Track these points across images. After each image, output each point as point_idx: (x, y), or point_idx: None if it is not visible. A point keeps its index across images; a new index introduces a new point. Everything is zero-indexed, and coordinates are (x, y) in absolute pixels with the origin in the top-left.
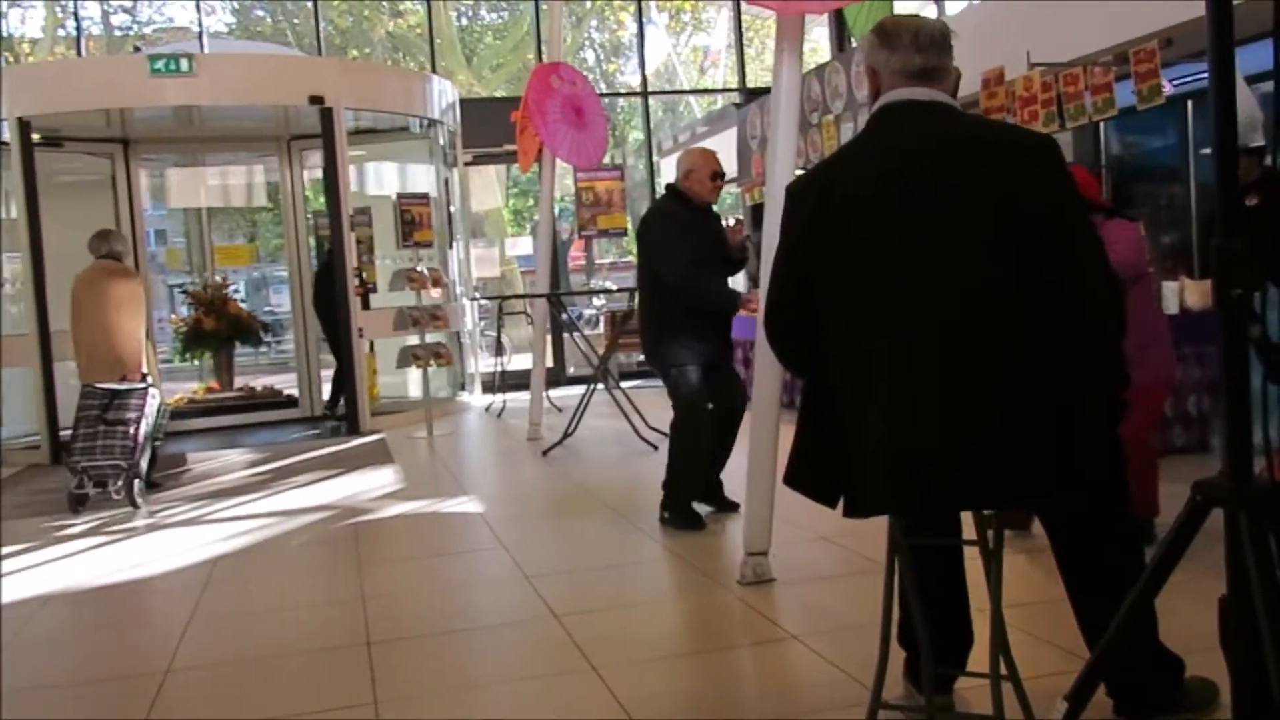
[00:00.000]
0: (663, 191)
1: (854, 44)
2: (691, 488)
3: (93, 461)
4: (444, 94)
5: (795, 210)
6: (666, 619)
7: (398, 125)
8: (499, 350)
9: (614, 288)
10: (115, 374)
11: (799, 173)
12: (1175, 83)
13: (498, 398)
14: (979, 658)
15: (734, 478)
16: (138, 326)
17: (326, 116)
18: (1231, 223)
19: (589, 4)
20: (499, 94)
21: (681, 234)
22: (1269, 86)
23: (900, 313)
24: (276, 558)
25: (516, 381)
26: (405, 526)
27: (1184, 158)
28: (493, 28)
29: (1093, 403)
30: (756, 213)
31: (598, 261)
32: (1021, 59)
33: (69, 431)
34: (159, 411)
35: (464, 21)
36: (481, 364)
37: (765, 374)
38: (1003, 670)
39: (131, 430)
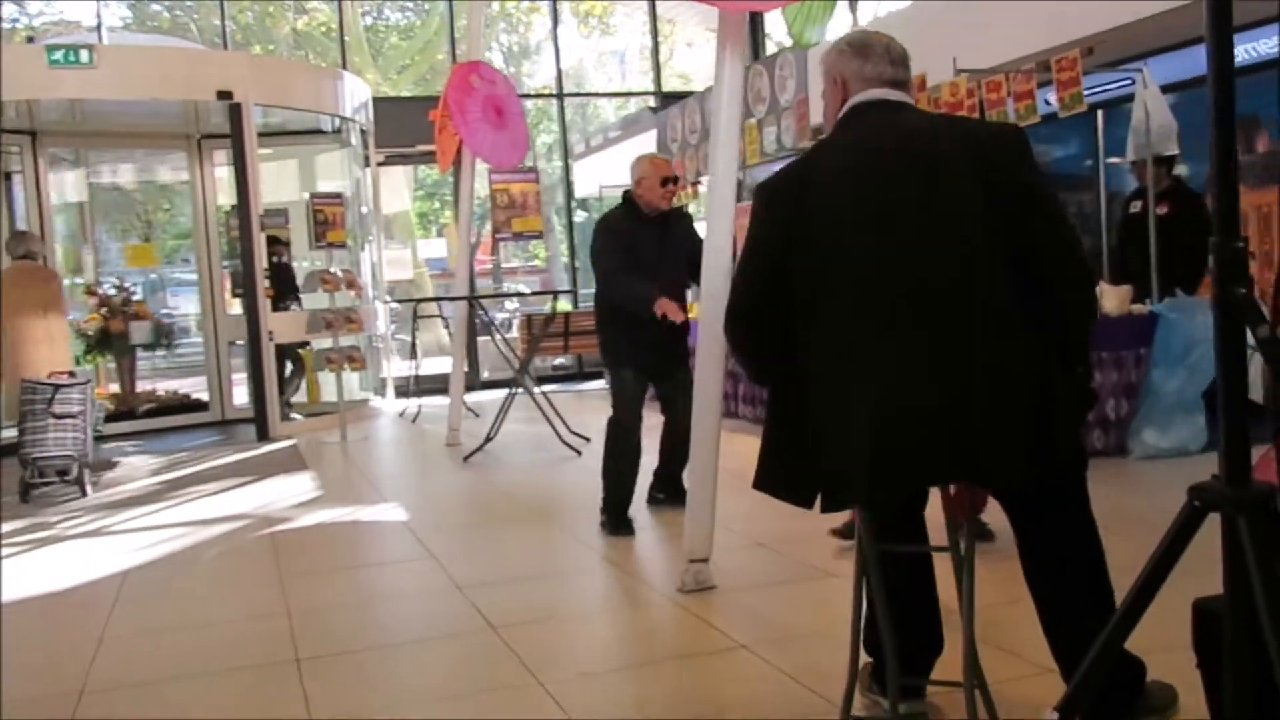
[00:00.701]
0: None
1: (781, 46)
2: (618, 491)
3: (45, 453)
4: (356, 92)
5: (771, 206)
6: (610, 629)
7: (308, 124)
8: (414, 354)
9: (527, 290)
10: (44, 372)
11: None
12: (1085, 92)
13: (412, 402)
14: (944, 665)
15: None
16: (64, 325)
17: (235, 112)
18: (1230, 221)
19: (495, 6)
20: (408, 94)
21: (614, 242)
22: (1174, 98)
23: (886, 296)
24: (190, 570)
25: (430, 386)
26: (326, 536)
27: (1094, 166)
28: (398, 28)
29: (1066, 387)
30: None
31: (504, 265)
32: (947, 65)
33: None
34: (95, 405)
35: (369, 20)
36: (395, 368)
37: (706, 380)
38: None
39: (80, 423)
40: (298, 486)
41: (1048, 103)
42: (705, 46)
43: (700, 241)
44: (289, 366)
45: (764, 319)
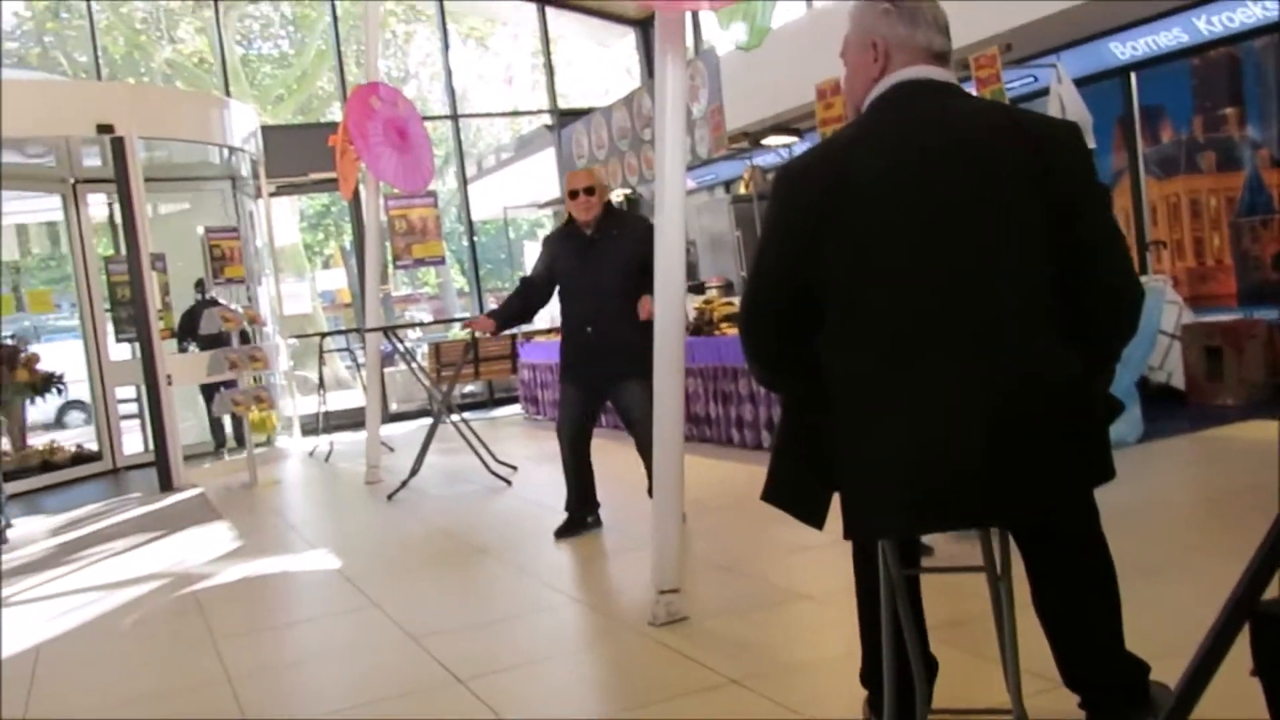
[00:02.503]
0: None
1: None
2: (569, 499)
3: None
4: (244, 120)
5: (795, 196)
6: (588, 672)
7: (194, 156)
8: (321, 390)
9: (429, 318)
10: None
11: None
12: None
13: (322, 440)
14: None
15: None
16: None
17: (118, 147)
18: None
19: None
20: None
21: (539, 256)
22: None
23: (929, 300)
24: (111, 640)
25: (338, 423)
26: (254, 590)
27: None
28: (269, 58)
29: (1101, 402)
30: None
31: (395, 294)
32: None
33: None
34: None
35: (240, 51)
36: (299, 405)
37: (665, 393)
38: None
39: None
40: (214, 538)
41: None
42: (593, 63)
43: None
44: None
45: (785, 316)
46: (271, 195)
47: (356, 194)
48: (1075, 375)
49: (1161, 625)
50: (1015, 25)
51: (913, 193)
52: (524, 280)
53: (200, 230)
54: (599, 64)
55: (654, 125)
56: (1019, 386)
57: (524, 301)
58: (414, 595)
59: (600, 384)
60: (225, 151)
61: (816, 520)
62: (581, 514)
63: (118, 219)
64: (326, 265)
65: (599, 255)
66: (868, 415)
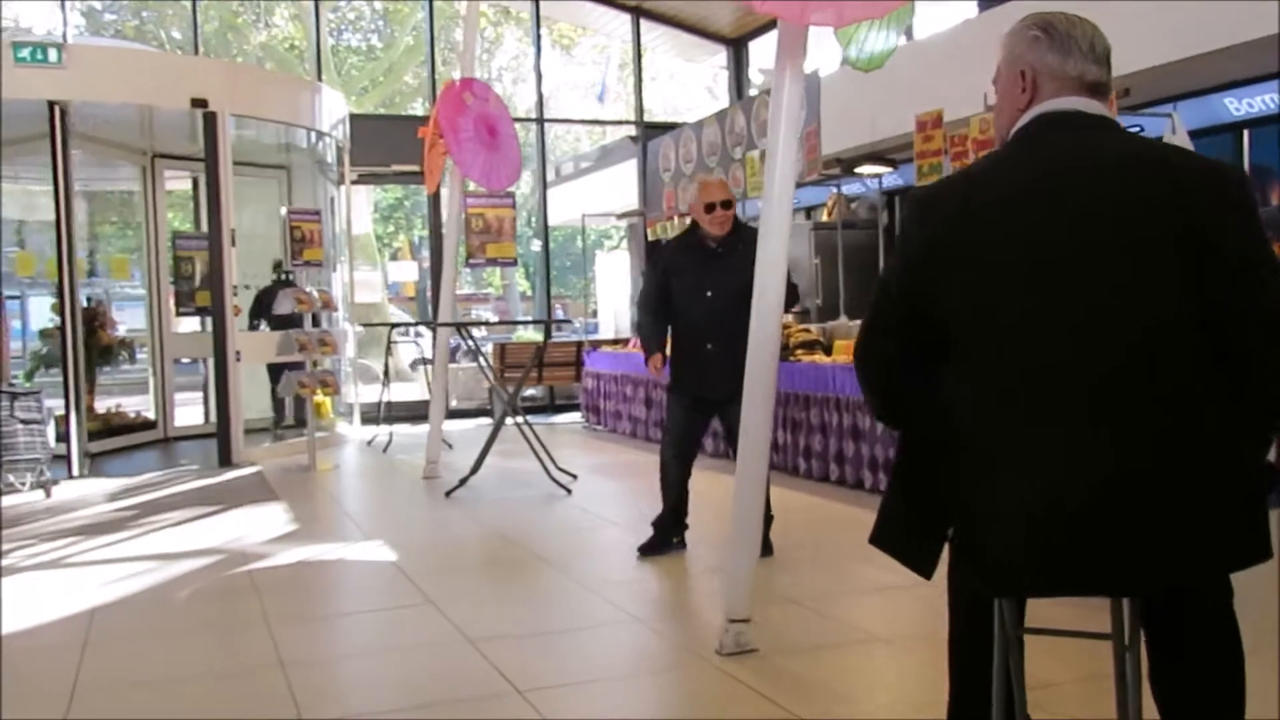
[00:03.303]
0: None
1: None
2: (663, 514)
3: (15, 456)
4: (334, 107)
5: (924, 222)
6: (652, 695)
7: (282, 138)
8: (386, 380)
9: (495, 318)
10: None
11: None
12: None
13: (382, 430)
14: None
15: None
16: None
17: (210, 122)
18: None
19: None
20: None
21: (652, 271)
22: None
23: (1063, 346)
24: (165, 612)
25: (397, 414)
26: (310, 576)
27: None
28: (357, 51)
29: (1257, 468)
30: (653, 249)
31: (459, 292)
32: (976, 99)
33: None
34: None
35: (330, 41)
36: (361, 394)
37: (754, 419)
38: None
39: (44, 428)
40: (270, 519)
41: None
42: (676, 78)
43: None
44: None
45: (902, 345)
46: (353, 183)
47: (438, 189)
48: (1227, 436)
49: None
50: (1135, 70)
51: (1043, 230)
52: (647, 301)
53: (283, 211)
54: (682, 80)
55: (767, 140)
56: (1163, 445)
57: (663, 324)
58: (471, 597)
59: (714, 402)
60: (313, 135)
61: (926, 569)
62: (671, 533)
63: (191, 193)
64: (394, 257)
65: (722, 269)
66: (994, 464)
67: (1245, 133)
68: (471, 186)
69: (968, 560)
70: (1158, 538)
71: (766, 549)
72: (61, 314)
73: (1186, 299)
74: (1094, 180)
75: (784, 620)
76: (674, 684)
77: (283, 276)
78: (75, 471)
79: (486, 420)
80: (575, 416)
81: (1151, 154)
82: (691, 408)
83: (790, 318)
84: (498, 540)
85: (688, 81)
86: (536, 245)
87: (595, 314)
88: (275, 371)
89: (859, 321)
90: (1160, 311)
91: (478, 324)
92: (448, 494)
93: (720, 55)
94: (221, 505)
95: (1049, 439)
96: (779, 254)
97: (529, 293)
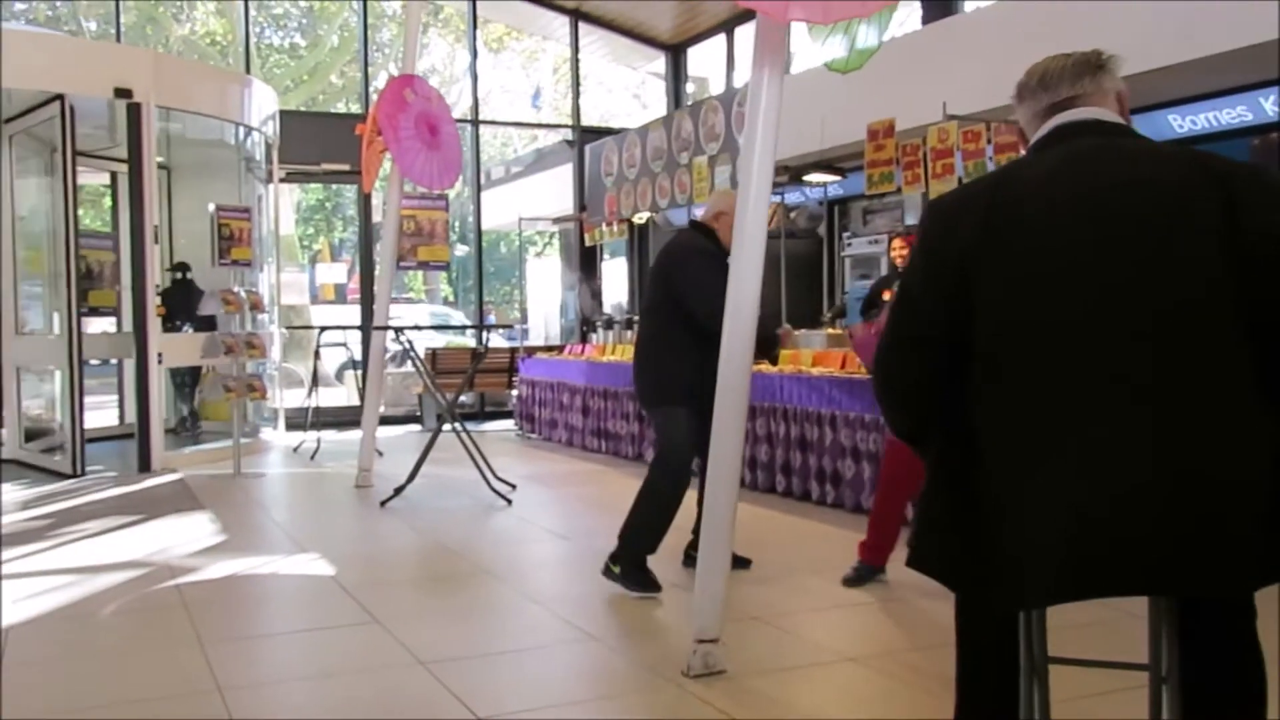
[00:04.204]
0: (684, 227)
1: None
2: (651, 543)
3: None
4: (265, 101)
5: (947, 230)
6: None
7: (210, 133)
8: (314, 384)
9: (425, 323)
10: None
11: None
12: None
13: (309, 435)
14: None
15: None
16: None
17: (134, 113)
18: None
19: (393, 30)
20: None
21: (718, 269)
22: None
23: (1104, 352)
24: (88, 630)
25: (325, 419)
26: (243, 591)
27: None
28: (280, 49)
29: None
30: (589, 255)
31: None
32: (935, 108)
33: None
34: None
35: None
36: (286, 399)
37: (725, 436)
38: None
39: None
40: (196, 529)
41: None
42: (610, 85)
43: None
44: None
45: (927, 358)
46: (281, 181)
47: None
48: (1259, 438)
49: None
50: None
51: (1083, 233)
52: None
53: (211, 208)
54: (609, 87)
55: (743, 141)
56: (1211, 449)
57: None
58: (418, 615)
59: (706, 406)
60: (241, 131)
61: (976, 590)
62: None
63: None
64: (314, 260)
65: None
66: (1025, 470)
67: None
68: (409, 187)
69: (996, 578)
70: (1209, 539)
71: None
72: None
73: (1238, 304)
74: (1132, 183)
75: (749, 639)
76: (644, 708)
77: (182, 276)
78: None
79: (416, 427)
80: (507, 424)
81: (1185, 156)
82: (699, 419)
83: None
84: (440, 553)
85: (615, 88)
86: (462, 250)
87: (524, 319)
88: (179, 375)
89: (803, 331)
90: (1209, 317)
91: (415, 328)
92: (383, 503)
93: (658, 61)
94: (143, 515)
95: (1088, 442)
96: (756, 259)
97: (451, 297)
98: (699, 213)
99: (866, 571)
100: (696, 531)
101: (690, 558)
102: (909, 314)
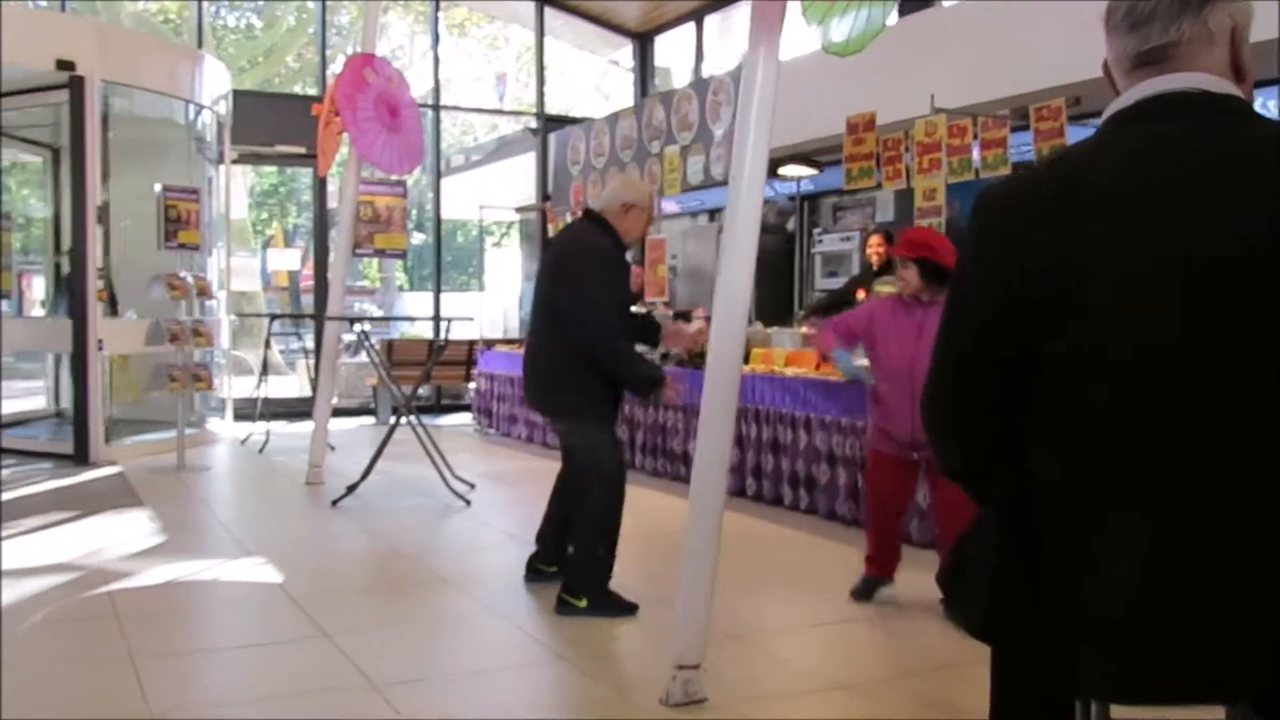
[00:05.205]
0: (577, 218)
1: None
2: (610, 564)
3: None
4: (217, 79)
5: (1009, 235)
6: None
7: (158, 111)
8: (263, 374)
9: (379, 313)
10: None
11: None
12: (1024, 149)
13: (258, 427)
14: None
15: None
16: None
17: (77, 87)
18: None
19: (352, 9)
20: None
21: (615, 283)
22: None
23: (1196, 394)
24: (9, 642)
25: (273, 411)
26: (181, 600)
27: None
28: (235, 30)
29: None
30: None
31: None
32: (923, 101)
33: None
34: None
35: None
36: (235, 389)
37: (710, 451)
38: None
39: None
40: (134, 528)
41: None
42: (572, 74)
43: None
44: None
45: (995, 389)
46: (233, 163)
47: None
48: None
49: None
50: (1085, 79)
51: (1163, 249)
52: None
53: (157, 188)
54: (571, 76)
55: (737, 125)
56: None
57: None
58: (371, 630)
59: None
60: (192, 110)
61: (1037, 661)
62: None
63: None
64: (266, 245)
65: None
66: (1092, 537)
67: None
68: (366, 172)
69: (1053, 647)
70: None
71: None
72: None
73: None
74: (1261, 177)
75: (729, 661)
76: None
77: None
78: None
79: (370, 420)
80: (464, 418)
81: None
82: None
83: (702, 323)
84: (395, 559)
85: (576, 77)
86: (419, 238)
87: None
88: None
89: (775, 329)
90: None
91: (370, 319)
92: (335, 503)
93: (625, 49)
94: (78, 511)
95: (1171, 510)
96: (749, 249)
97: (405, 286)
98: (595, 205)
99: (872, 584)
100: (543, 538)
101: (536, 571)
102: (967, 337)
